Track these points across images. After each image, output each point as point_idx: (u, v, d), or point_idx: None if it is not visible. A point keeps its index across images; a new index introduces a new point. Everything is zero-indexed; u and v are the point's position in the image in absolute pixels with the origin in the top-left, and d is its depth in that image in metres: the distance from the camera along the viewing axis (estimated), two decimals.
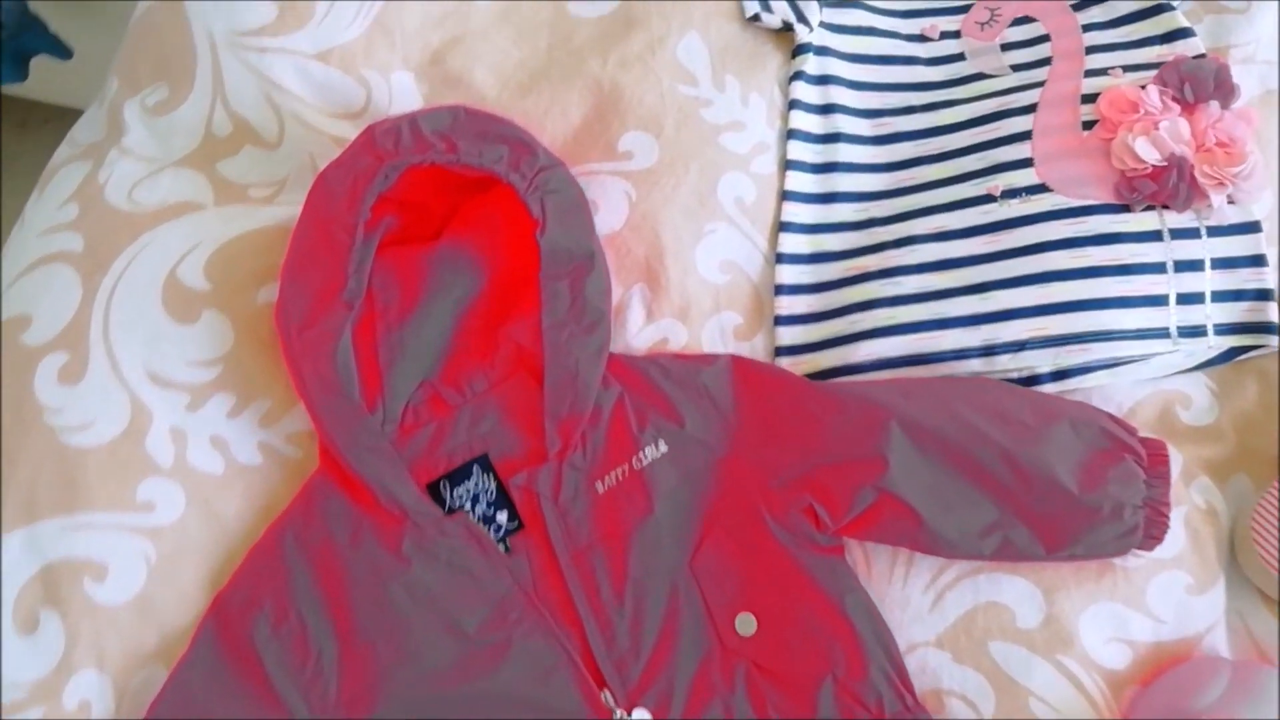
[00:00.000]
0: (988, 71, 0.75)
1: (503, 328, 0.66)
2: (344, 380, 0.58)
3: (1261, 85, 0.72)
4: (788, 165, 0.72)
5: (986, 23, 0.77)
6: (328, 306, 0.59)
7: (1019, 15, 0.76)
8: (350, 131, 0.69)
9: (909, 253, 0.70)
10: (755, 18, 0.75)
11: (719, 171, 0.71)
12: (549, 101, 0.71)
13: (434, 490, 0.62)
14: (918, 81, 0.76)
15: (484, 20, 0.75)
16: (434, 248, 0.66)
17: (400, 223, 0.65)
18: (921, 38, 0.77)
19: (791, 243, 0.71)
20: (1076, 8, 0.75)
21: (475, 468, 0.61)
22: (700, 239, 0.70)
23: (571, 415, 0.60)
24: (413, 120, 0.62)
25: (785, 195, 0.72)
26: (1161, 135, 0.67)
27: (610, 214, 0.69)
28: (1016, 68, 0.74)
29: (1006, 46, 0.75)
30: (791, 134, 0.73)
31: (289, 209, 0.68)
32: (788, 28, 0.75)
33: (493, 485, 0.61)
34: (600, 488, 0.61)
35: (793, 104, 0.74)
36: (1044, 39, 0.75)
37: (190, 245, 0.67)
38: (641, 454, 0.61)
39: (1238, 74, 0.70)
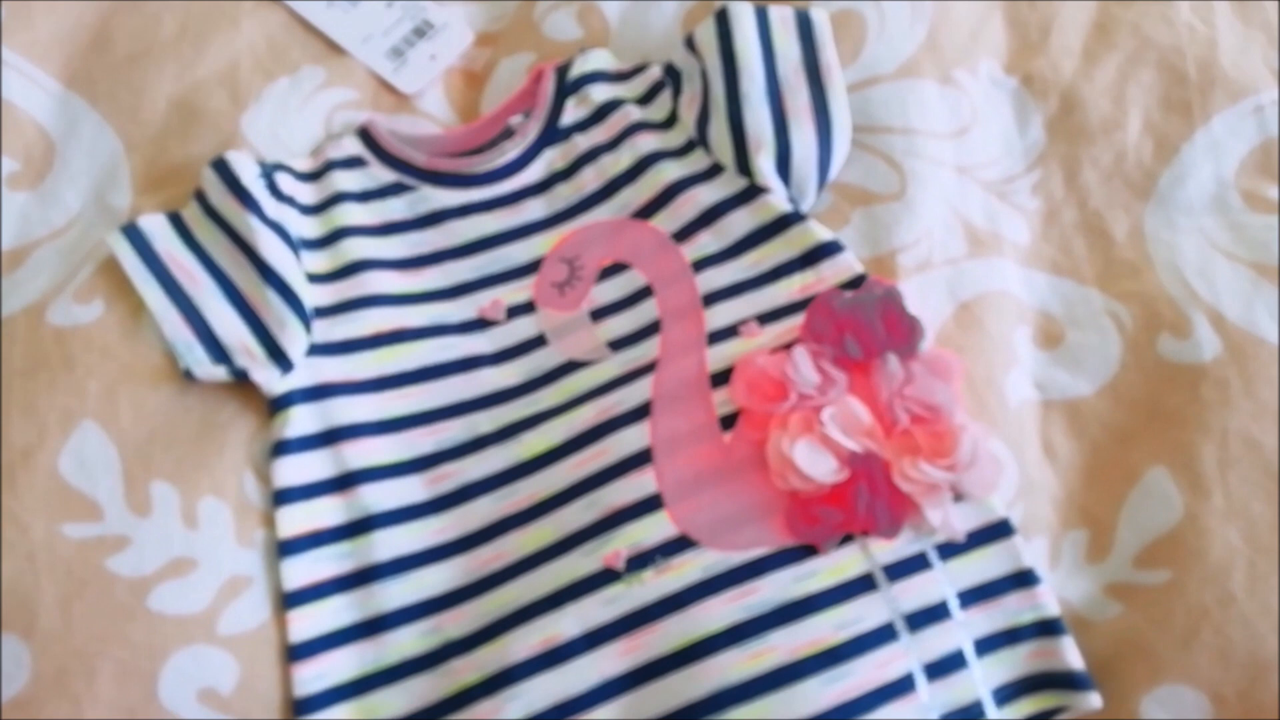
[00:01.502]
0: (580, 358, 0.49)
1: None
2: None
3: (952, 298, 0.49)
4: (290, 601, 0.44)
5: (566, 282, 0.53)
6: None
7: (608, 264, 0.52)
8: None
9: (510, 699, 0.42)
10: (190, 374, 0.47)
11: (158, 658, 0.41)
12: None
13: None
14: (485, 394, 0.49)
15: None
16: None
17: None
18: (481, 323, 0.51)
19: None
20: (680, 236, 0.51)
21: None
22: None
23: None
24: None
25: (294, 652, 0.43)
26: (829, 430, 0.43)
27: None
28: (617, 345, 0.49)
29: (599, 313, 0.50)
30: (287, 547, 0.45)
31: None
32: (242, 377, 0.48)
33: None
34: None
35: (280, 497, 0.45)
36: (646, 293, 0.50)
37: None
38: None
39: (915, 294, 0.47)
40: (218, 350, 0.47)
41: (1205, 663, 0.42)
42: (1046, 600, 0.43)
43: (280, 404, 0.47)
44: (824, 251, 0.49)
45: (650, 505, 0.44)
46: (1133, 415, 0.47)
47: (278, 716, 0.42)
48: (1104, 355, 0.49)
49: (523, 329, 0.51)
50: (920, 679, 0.41)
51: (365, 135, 0.54)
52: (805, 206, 0.51)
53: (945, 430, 0.43)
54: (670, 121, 0.54)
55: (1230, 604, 0.42)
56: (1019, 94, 0.55)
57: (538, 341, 0.50)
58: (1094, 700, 0.42)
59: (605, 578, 0.44)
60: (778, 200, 0.50)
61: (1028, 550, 0.44)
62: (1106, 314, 0.50)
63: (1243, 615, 0.42)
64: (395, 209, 0.53)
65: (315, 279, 0.50)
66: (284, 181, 0.52)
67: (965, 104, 0.53)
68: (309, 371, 0.48)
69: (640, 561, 0.44)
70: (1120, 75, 0.55)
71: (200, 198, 0.51)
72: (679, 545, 0.43)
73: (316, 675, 0.43)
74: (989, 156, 0.53)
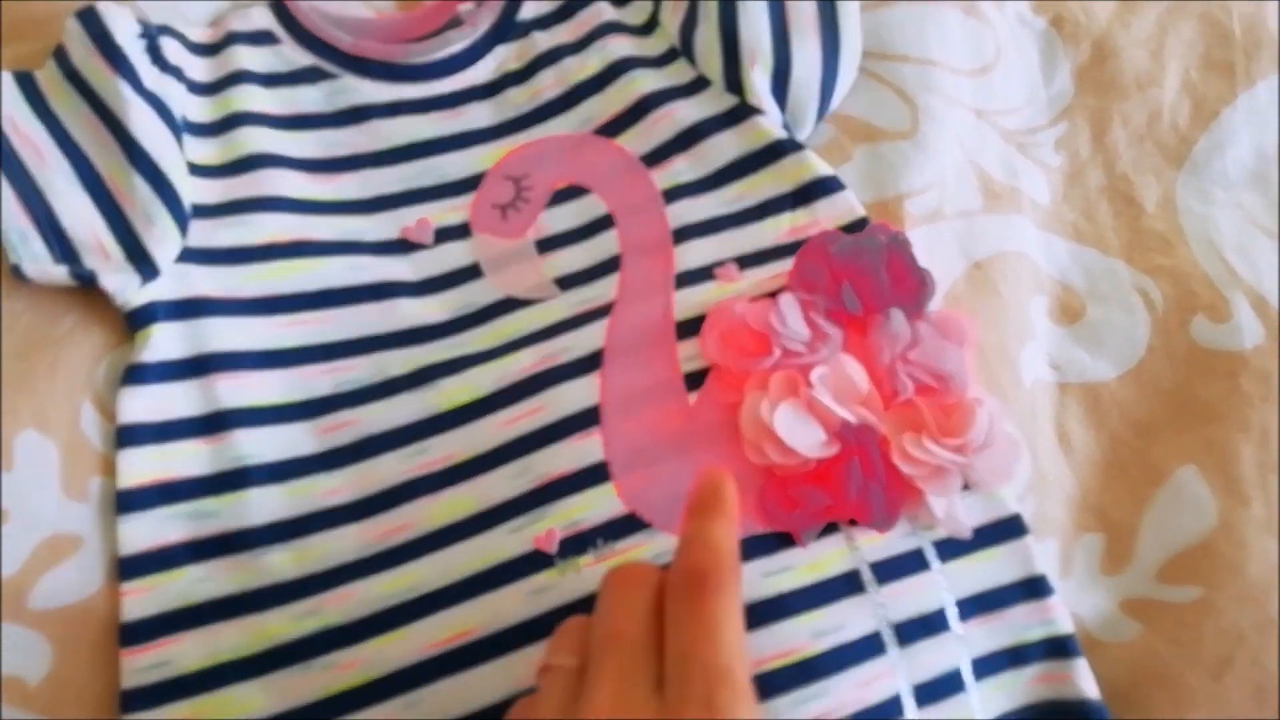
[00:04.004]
0: (520, 295, 0.41)
1: None
2: None
3: (964, 256, 0.42)
4: (127, 569, 0.34)
5: (510, 204, 0.44)
6: None
7: (562, 186, 0.43)
8: None
9: (408, 708, 0.33)
10: (19, 272, 0.37)
11: None
12: None
13: None
14: (400, 330, 0.40)
15: None
16: None
17: None
18: (403, 244, 0.42)
19: None
20: (652, 160, 0.43)
21: None
22: None
23: None
24: None
25: (127, 634, 0.33)
26: (818, 395, 0.36)
27: None
28: (566, 282, 0.41)
29: (548, 243, 0.42)
30: (129, 500, 0.35)
31: None
32: (88, 282, 0.38)
33: None
34: None
35: (126, 435, 0.36)
36: (606, 223, 0.42)
37: None
38: None
39: (923, 247, 0.40)
40: (62, 245, 0.38)
41: (1238, 698, 0.35)
42: (1059, 615, 0.36)
43: (139, 319, 0.38)
44: (821, 188, 0.41)
45: (594, 476, 0.36)
46: (1160, 406, 0.41)
47: (92, 715, 0.33)
48: (1130, 336, 0.42)
49: (453, 256, 0.42)
50: (909, 702, 0.34)
51: (279, 7, 0.45)
52: (801, 137, 0.43)
53: (956, 404, 0.36)
54: (650, 27, 0.45)
55: (1269, 629, 0.36)
56: (1048, 36, 0.48)
57: (470, 272, 0.42)
58: None
59: (533, 563, 0.35)
60: (770, 124, 0.42)
61: (1039, 554, 0.37)
62: (1134, 290, 0.43)
63: None
64: (308, 99, 0.44)
65: (200, 171, 0.41)
66: (171, 49, 0.42)
67: (989, 39, 0.46)
68: (179, 281, 0.39)
69: (577, 544, 0.35)
70: (1159, 27, 0.48)
71: (60, 56, 0.40)
72: (626, 526, 0.35)
73: (153, 663, 0.34)
74: (1010, 103, 0.46)
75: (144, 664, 0.34)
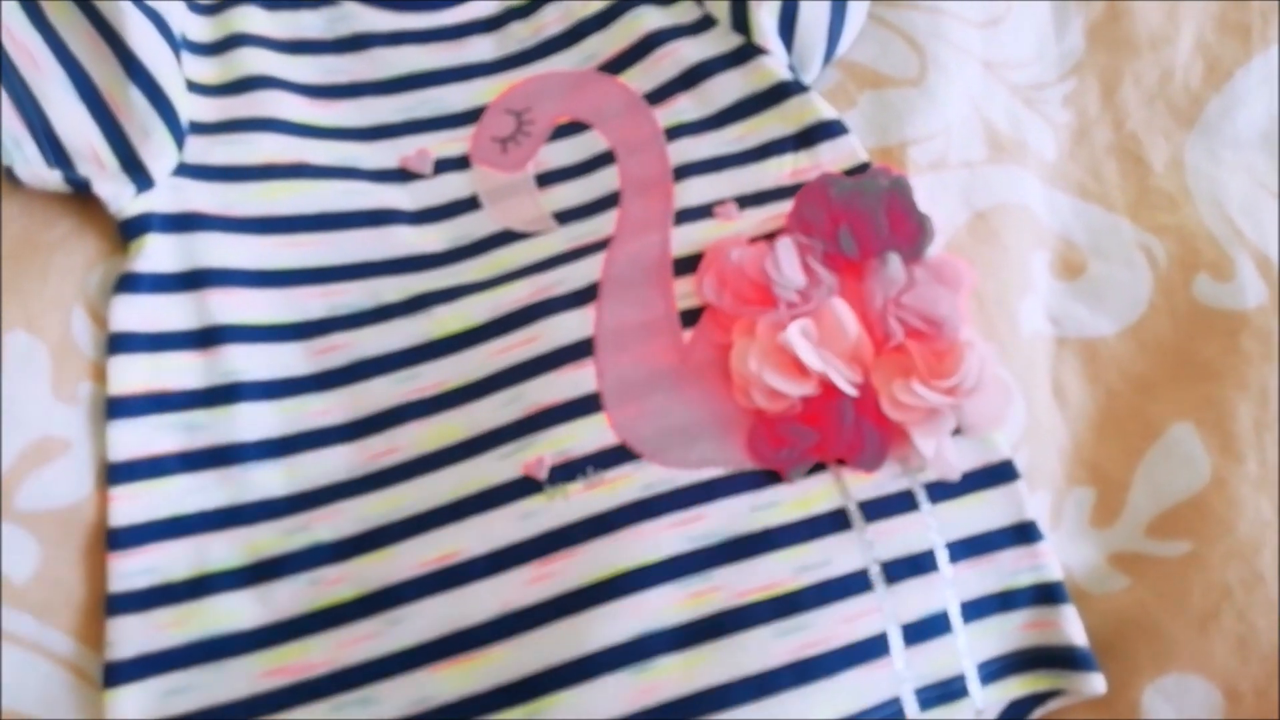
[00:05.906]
0: (518, 228, 0.41)
1: None
2: None
3: (967, 206, 0.41)
4: (116, 475, 0.34)
5: (510, 138, 0.44)
6: None
7: (563, 121, 0.43)
8: None
9: (393, 624, 0.34)
10: (12, 175, 0.37)
11: None
12: None
13: None
14: (396, 257, 0.40)
15: None
16: None
17: None
18: (402, 174, 0.42)
19: (135, 631, 0.33)
20: (655, 98, 0.43)
21: None
22: None
23: None
24: None
25: (115, 538, 0.33)
26: (799, 338, 0.35)
27: None
28: (564, 216, 0.41)
29: (547, 178, 0.42)
30: (120, 406, 0.35)
31: None
32: (82, 188, 0.38)
33: None
34: None
35: (118, 342, 0.36)
36: (606, 159, 0.42)
37: None
38: None
39: (926, 195, 0.39)
40: (56, 152, 0.37)
41: (1222, 651, 0.35)
42: (1048, 561, 0.36)
43: (132, 229, 0.37)
44: (824, 131, 0.41)
45: (586, 406, 0.36)
46: (1158, 362, 0.41)
47: (81, 616, 0.33)
48: (1131, 292, 0.42)
49: (452, 187, 0.42)
50: (896, 641, 0.34)
51: None
52: (807, 81, 0.43)
53: (947, 348, 0.35)
54: None
55: (1257, 585, 0.36)
56: None
57: (469, 204, 0.41)
58: (1096, 683, 0.35)
59: (522, 488, 0.35)
60: (776, 65, 0.42)
61: (1030, 501, 0.37)
62: (1137, 247, 0.43)
63: (1270, 600, 0.35)
64: (310, 24, 0.44)
65: (199, 89, 0.41)
66: None
67: None
68: (174, 195, 0.38)
69: (567, 472, 0.35)
70: None
71: None
72: (616, 456, 0.35)
73: (142, 569, 0.34)
74: (1020, 56, 0.46)
75: (132, 568, 0.34)
